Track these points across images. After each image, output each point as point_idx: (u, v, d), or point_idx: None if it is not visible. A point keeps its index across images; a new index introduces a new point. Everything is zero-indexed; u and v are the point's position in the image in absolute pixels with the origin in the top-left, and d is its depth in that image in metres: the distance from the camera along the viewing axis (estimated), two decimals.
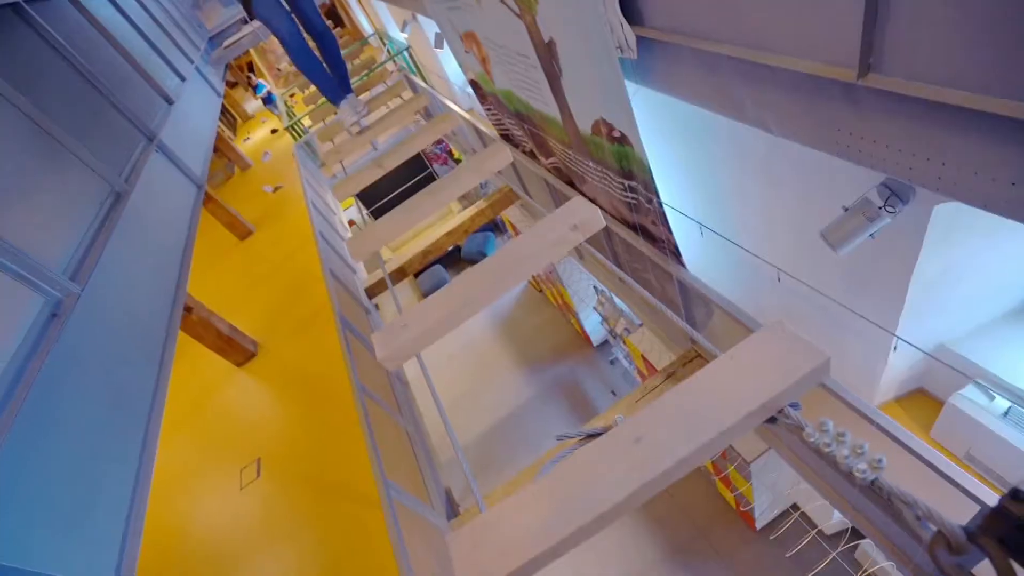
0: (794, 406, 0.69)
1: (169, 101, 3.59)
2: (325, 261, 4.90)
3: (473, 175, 2.33)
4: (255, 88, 12.01)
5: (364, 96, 4.60)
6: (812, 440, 0.65)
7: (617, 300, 5.72)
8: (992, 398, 2.50)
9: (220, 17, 7.69)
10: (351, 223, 11.23)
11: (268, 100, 12.06)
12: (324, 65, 3.11)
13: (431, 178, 10.70)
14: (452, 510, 3.91)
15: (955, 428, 2.59)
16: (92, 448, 1.32)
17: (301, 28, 2.91)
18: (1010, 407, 2.41)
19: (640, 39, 2.01)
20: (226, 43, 6.60)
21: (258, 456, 4.91)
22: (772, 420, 0.69)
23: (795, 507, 4.44)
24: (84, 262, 1.73)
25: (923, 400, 2.94)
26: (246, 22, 6.56)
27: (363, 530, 3.73)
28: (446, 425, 1.41)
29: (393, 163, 3.03)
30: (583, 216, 1.46)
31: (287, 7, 2.84)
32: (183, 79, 4.29)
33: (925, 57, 1.15)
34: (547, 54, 2.69)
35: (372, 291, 5.92)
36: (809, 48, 1.39)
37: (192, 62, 5.02)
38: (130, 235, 2.05)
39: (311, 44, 3.03)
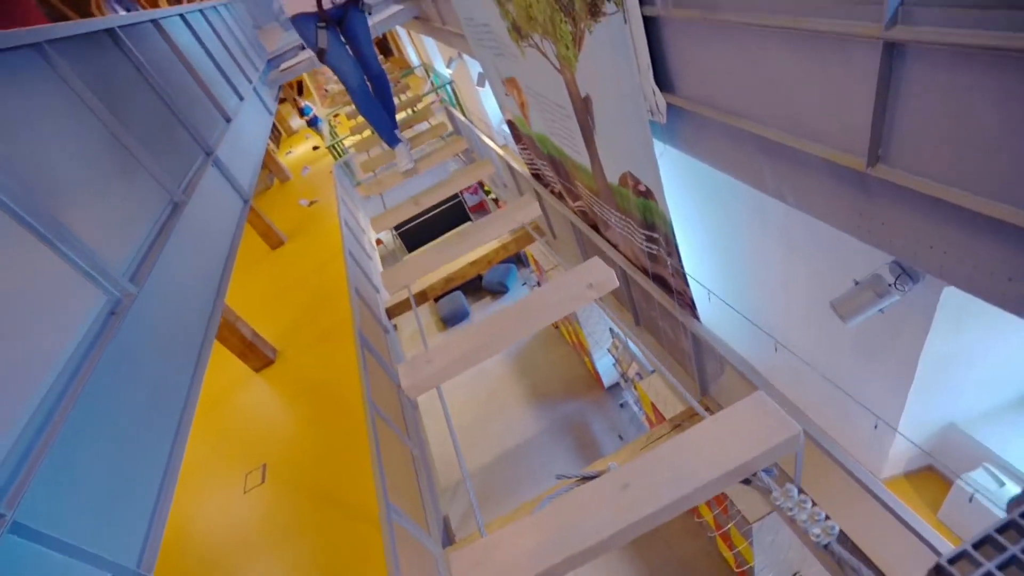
0: (768, 471, 0.76)
1: (227, 119, 3.85)
2: (351, 279, 5.08)
3: (503, 224, 2.49)
4: (302, 110, 12.57)
5: (408, 132, 4.86)
6: (778, 503, 0.72)
7: (631, 344, 5.75)
8: (1002, 484, 2.47)
9: (280, 41, 8.16)
10: (378, 242, 11.54)
11: (313, 123, 12.61)
12: (380, 107, 3.45)
13: (460, 204, 10.97)
14: (448, 538, 3.92)
15: (962, 511, 2.56)
16: (131, 438, 1.44)
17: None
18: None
19: (670, 106, 2.14)
20: (283, 66, 7.01)
21: (264, 462, 5.02)
22: (747, 481, 0.76)
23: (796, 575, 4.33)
24: (142, 266, 1.89)
25: (932, 479, 2.90)
26: (303, 48, 6.97)
27: (359, 548, 3.77)
28: (457, 452, 1.50)
29: (430, 201, 3.25)
30: (599, 276, 1.58)
31: (351, 52, 3.17)
32: (241, 99, 4.59)
33: (929, 155, 1.25)
34: (583, 108, 2.85)
35: (392, 312, 6.07)
36: (825, 134, 1.50)
37: (251, 82, 5.36)
38: (183, 243, 2.22)
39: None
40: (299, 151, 14.43)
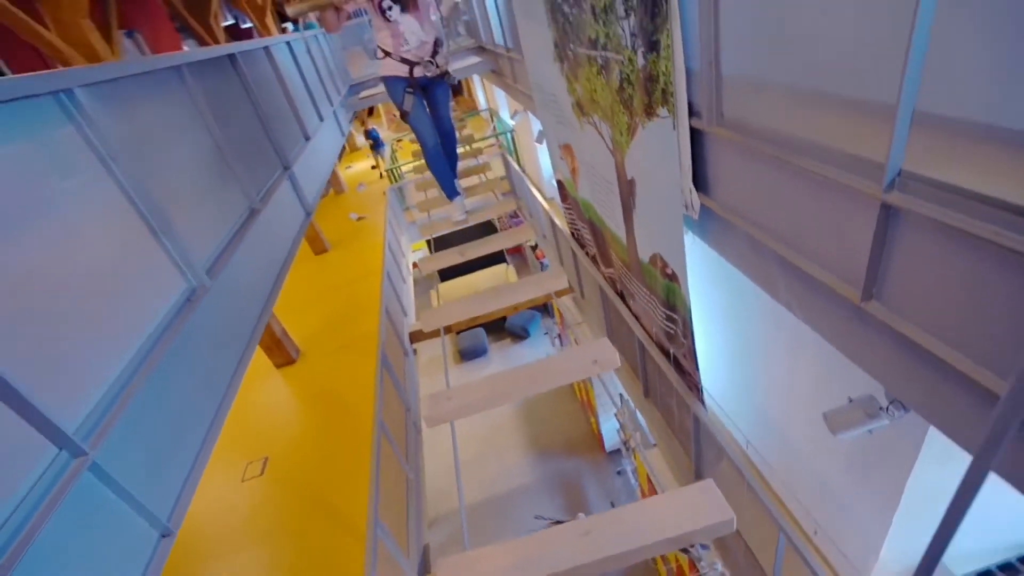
0: (704, 546, 0.90)
1: (307, 137, 4.26)
2: (384, 298, 5.36)
3: (534, 289, 2.73)
4: (368, 132, 13.31)
5: (466, 180, 5.23)
6: (703, 572, 0.86)
7: (638, 414, 5.80)
8: None
9: (364, 69, 8.83)
10: (415, 265, 11.95)
11: (376, 146, 13.29)
12: (447, 165, 3.77)
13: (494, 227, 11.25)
14: (424, 567, 3.99)
15: None
16: (184, 410, 1.67)
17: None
18: None
19: (703, 206, 2.36)
20: (363, 94, 7.59)
21: (267, 455, 5.21)
22: (686, 551, 0.89)
23: None
24: (217, 262, 2.17)
25: None
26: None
27: (339, 558, 3.88)
28: (458, 481, 1.66)
29: (474, 254, 3.56)
30: (605, 355, 1.78)
31: (429, 114, 3.50)
32: (322, 119, 5.04)
33: (915, 305, 1.41)
34: (627, 189, 3.09)
35: (415, 336, 6.30)
36: (829, 262, 1.68)
37: (332, 105, 5.86)
38: (252, 246, 2.51)
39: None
40: (358, 167, 15.21)
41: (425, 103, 3.53)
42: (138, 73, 1.91)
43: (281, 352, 6.35)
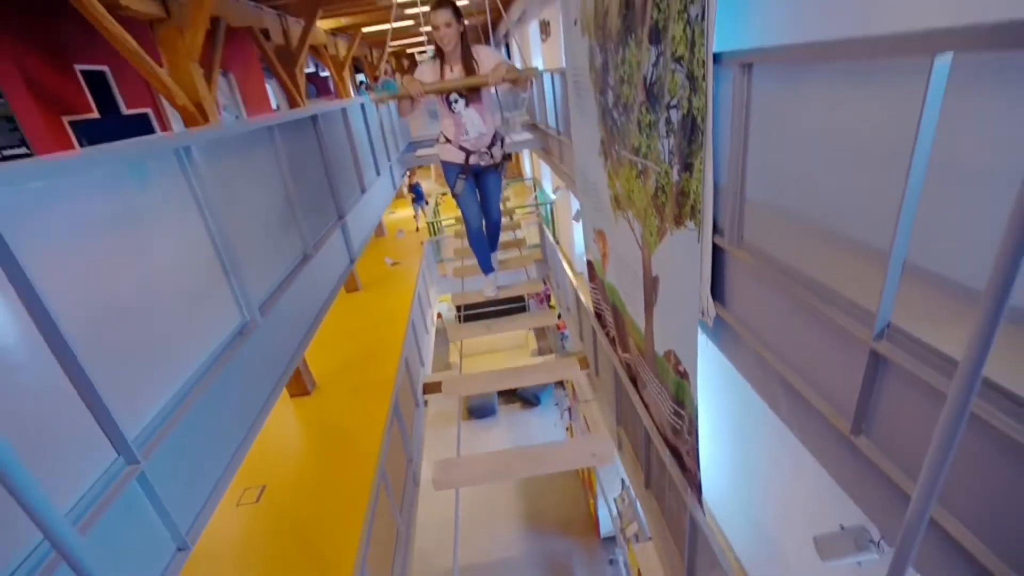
0: None
1: (363, 190, 4.63)
2: (405, 347, 5.54)
3: (552, 374, 2.91)
4: (412, 187, 13.94)
5: (503, 253, 5.42)
6: None
7: (638, 504, 5.70)
8: None
9: (423, 129, 9.47)
10: (439, 316, 12.21)
11: (417, 200, 13.82)
12: (487, 245, 4.00)
13: (523, 308, 11.49)
14: None
15: None
16: (218, 434, 1.84)
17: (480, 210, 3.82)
18: None
19: (718, 315, 2.51)
20: (419, 152, 8.13)
21: (265, 484, 5.27)
22: None
23: None
24: (269, 300, 2.40)
25: None
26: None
27: None
28: (455, 553, 1.76)
29: (500, 330, 3.80)
30: (602, 450, 1.91)
31: (479, 198, 3.74)
32: (379, 173, 5.45)
33: (900, 448, 1.51)
34: (651, 284, 3.27)
35: (428, 388, 6.42)
36: (826, 392, 1.80)
37: (389, 160, 6.33)
38: (300, 288, 2.75)
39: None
40: (400, 214, 15.88)
41: (476, 190, 3.74)
42: (241, 133, 2.23)
43: (298, 383, 6.52)
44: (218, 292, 1.98)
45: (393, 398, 4.65)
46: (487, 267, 4.11)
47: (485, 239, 3.95)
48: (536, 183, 13.75)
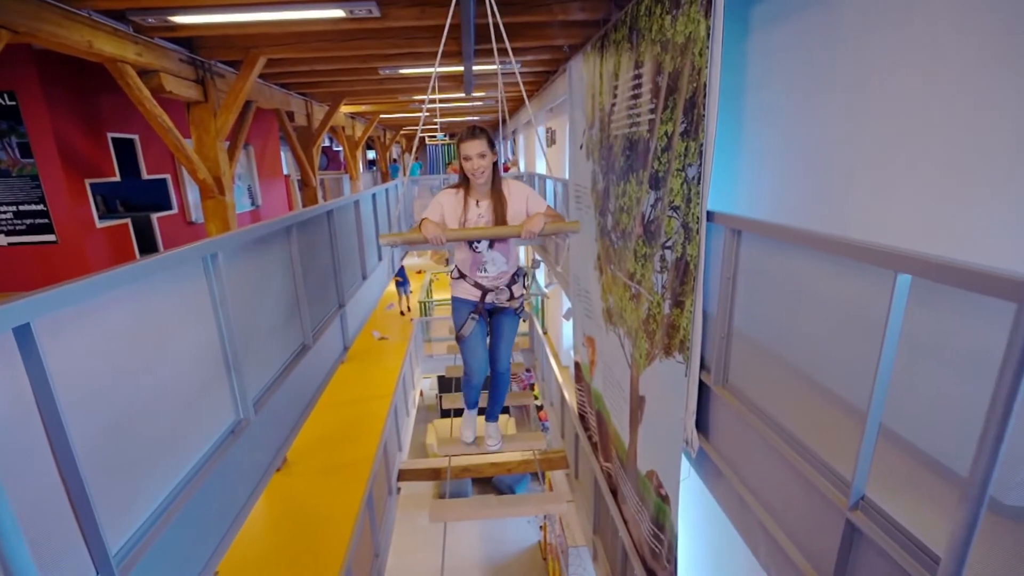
0: None
1: (364, 276, 4.76)
2: (384, 434, 5.45)
3: (534, 508, 2.93)
4: (397, 272, 13.69)
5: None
6: None
7: None
8: None
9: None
10: (420, 393, 12.03)
11: (401, 284, 13.68)
12: (478, 396, 3.40)
13: None
14: None
15: None
16: (199, 535, 1.80)
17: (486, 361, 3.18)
18: None
19: (701, 447, 2.56)
20: None
21: (217, 570, 4.95)
22: None
23: None
24: (264, 396, 2.43)
25: None
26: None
27: None
28: None
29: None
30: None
31: (487, 346, 3.15)
32: (380, 259, 5.62)
33: None
34: (637, 403, 3.34)
35: (403, 475, 6.23)
36: (804, 544, 1.83)
37: (392, 248, 6.54)
38: (295, 380, 2.78)
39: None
40: (391, 287, 16.07)
41: (486, 332, 3.16)
42: (264, 235, 2.37)
43: None
44: (218, 390, 2.02)
45: (368, 483, 4.51)
46: (472, 402, 3.45)
47: (478, 392, 3.34)
48: (529, 272, 14.10)
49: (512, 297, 3.02)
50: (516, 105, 11.52)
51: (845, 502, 1.57)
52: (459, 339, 3.03)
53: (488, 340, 3.17)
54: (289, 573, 4.68)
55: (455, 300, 3.03)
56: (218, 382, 2.02)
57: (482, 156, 2.60)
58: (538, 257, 7.59)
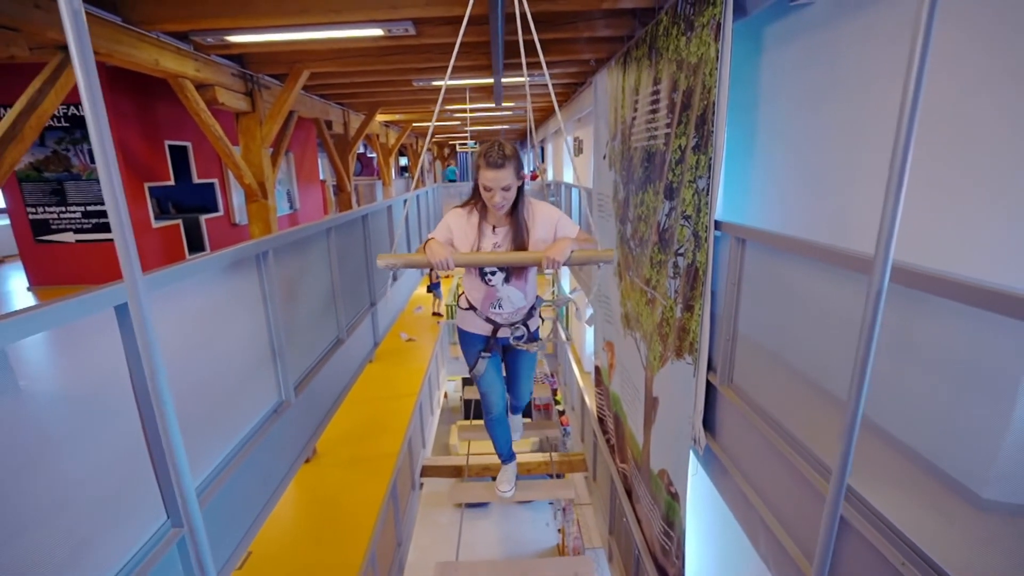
0: None
1: (395, 277, 5.01)
2: (410, 426, 5.68)
3: (544, 493, 3.10)
4: (431, 286, 13.89)
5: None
6: None
7: None
8: None
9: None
10: (445, 395, 12.28)
11: (433, 287, 13.85)
12: (508, 436, 3.08)
13: None
14: None
15: None
16: (243, 504, 2.04)
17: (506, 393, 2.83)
18: None
19: (708, 445, 2.69)
20: None
21: (252, 549, 5.24)
22: None
23: None
24: (302, 382, 2.67)
25: None
26: None
27: None
28: None
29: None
30: (583, 570, 2.08)
31: (503, 370, 2.77)
32: None
33: None
34: (651, 404, 3.47)
35: (426, 471, 6.44)
36: (799, 537, 1.94)
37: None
38: (330, 370, 3.02)
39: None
40: (421, 291, 16.41)
41: (502, 367, 2.75)
42: (308, 236, 2.62)
43: None
44: (264, 374, 2.26)
45: (393, 476, 4.73)
46: (506, 454, 3.12)
47: (508, 424, 2.99)
48: (555, 278, 14.21)
49: (528, 335, 2.52)
50: (544, 115, 11.74)
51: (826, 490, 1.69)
52: (473, 377, 2.64)
53: (504, 374, 2.79)
54: (317, 555, 4.93)
55: (463, 334, 2.55)
56: (265, 366, 2.27)
57: (507, 189, 2.06)
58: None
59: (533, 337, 2.57)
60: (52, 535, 1.23)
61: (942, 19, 0.85)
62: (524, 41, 2.35)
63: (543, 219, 2.22)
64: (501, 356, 2.69)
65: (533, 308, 2.53)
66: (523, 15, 2.19)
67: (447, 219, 2.24)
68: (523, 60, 2.59)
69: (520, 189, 2.16)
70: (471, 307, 2.45)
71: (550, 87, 1.54)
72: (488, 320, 2.45)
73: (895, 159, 0.67)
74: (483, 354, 2.52)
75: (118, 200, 0.59)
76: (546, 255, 2.00)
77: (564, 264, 2.02)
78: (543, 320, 2.65)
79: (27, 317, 1.11)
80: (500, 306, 2.41)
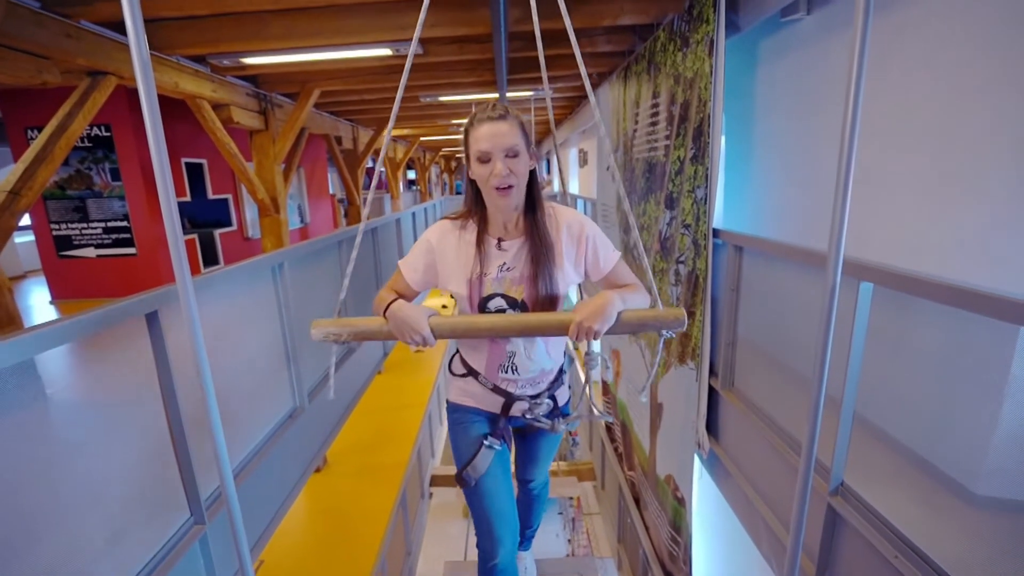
0: None
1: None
2: (419, 436, 5.75)
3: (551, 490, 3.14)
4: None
5: None
6: None
7: None
8: None
9: None
10: None
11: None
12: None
13: None
14: None
15: None
16: (260, 506, 2.12)
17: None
18: None
19: (712, 449, 2.74)
20: None
21: (263, 559, 5.30)
22: None
23: None
24: (316, 387, 2.76)
25: None
26: None
27: None
28: None
29: None
30: (587, 571, 2.13)
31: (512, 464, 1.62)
32: None
33: None
34: (656, 410, 3.53)
35: (436, 481, 6.49)
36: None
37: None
38: (342, 378, 3.11)
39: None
40: (432, 302, 16.57)
41: (509, 462, 1.60)
42: (320, 248, 2.73)
43: None
44: (280, 378, 2.36)
45: (402, 485, 4.79)
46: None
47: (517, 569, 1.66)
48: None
49: (556, 411, 1.52)
50: (547, 128, 11.91)
51: (826, 487, 1.74)
52: (462, 483, 1.47)
53: (513, 469, 1.73)
54: (327, 563, 4.98)
55: (454, 410, 1.56)
56: (280, 372, 2.36)
57: (514, 154, 1.25)
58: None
59: (562, 412, 1.56)
60: (89, 526, 1.32)
61: (942, 19, 0.94)
62: (541, 56, 1.50)
63: (570, 227, 1.37)
64: (510, 448, 1.60)
65: (562, 371, 1.56)
66: (535, 31, 1.48)
67: (427, 236, 1.41)
68: (544, 74, 1.74)
69: (534, 177, 1.34)
70: (470, 372, 1.50)
71: (549, 105, 1.61)
72: (497, 390, 1.48)
73: (841, 159, 0.76)
74: (486, 440, 1.49)
75: (174, 216, 0.68)
76: (577, 320, 1.19)
77: (607, 332, 1.23)
78: (571, 388, 1.66)
79: (62, 327, 1.21)
80: (515, 370, 1.46)
